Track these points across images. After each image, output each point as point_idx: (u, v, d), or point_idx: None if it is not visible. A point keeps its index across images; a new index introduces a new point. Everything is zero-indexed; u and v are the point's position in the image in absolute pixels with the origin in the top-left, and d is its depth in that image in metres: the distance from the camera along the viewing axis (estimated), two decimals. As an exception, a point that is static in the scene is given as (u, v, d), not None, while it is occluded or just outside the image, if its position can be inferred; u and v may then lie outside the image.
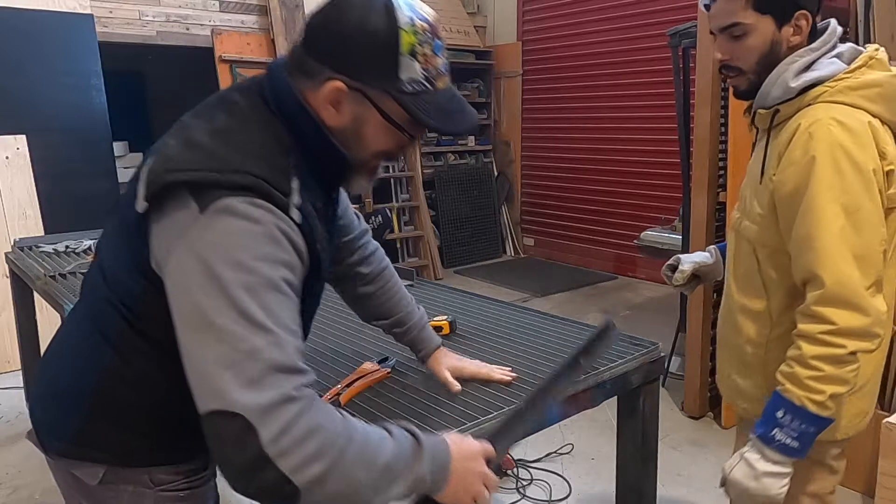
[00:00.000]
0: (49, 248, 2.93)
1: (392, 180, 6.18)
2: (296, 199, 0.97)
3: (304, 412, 0.84)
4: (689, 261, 1.73)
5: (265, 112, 1.02)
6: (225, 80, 5.38)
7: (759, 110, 1.41)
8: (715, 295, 3.23)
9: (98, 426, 1.10)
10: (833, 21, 1.37)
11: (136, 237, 0.98)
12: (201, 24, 5.33)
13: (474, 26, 6.93)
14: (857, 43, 3.65)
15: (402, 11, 0.98)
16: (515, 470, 2.78)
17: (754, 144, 1.51)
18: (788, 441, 1.27)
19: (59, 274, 2.48)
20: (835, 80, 1.31)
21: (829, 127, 1.26)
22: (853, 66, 1.32)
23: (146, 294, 0.99)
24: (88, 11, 4.56)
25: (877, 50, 1.34)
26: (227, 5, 5.45)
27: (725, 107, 3.06)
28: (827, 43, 1.35)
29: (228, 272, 0.85)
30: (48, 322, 3.64)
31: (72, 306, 1.29)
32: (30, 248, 2.98)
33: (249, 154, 0.95)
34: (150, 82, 7.85)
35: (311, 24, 1.02)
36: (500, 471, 1.04)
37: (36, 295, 2.84)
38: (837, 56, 1.35)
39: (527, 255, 6.99)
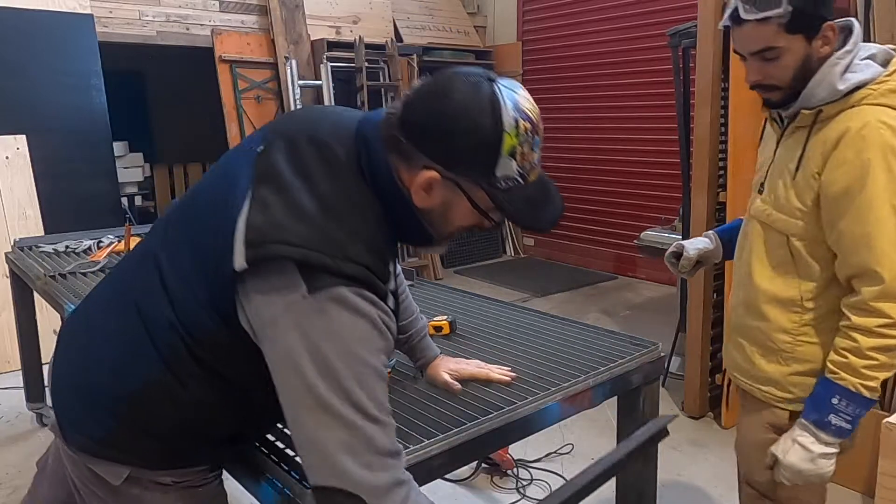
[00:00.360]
0: (49, 248, 2.93)
1: (392, 180, 6.17)
2: (392, 284, 1.04)
3: (410, 494, 0.96)
4: (693, 247, 1.78)
5: (363, 183, 1.03)
6: (225, 79, 5.38)
7: (803, 111, 1.43)
8: (715, 295, 3.23)
9: (128, 432, 1.11)
10: (854, 21, 1.41)
11: (222, 285, 1.00)
12: (201, 24, 5.33)
13: (474, 26, 6.93)
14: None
15: (507, 112, 0.99)
16: (515, 470, 2.78)
17: (778, 141, 1.53)
18: (843, 424, 1.39)
19: (59, 274, 2.48)
20: (876, 83, 1.37)
21: (880, 130, 1.33)
22: (891, 69, 1.38)
23: (220, 334, 1.03)
24: (88, 11, 4.56)
25: None
26: (227, 5, 5.45)
27: (725, 107, 3.05)
28: (856, 44, 1.39)
29: (341, 364, 0.93)
30: (48, 322, 3.64)
31: (75, 303, 1.29)
32: (30, 248, 2.98)
33: (359, 240, 0.98)
34: (150, 82, 7.85)
35: (412, 108, 1.03)
36: None
37: (36, 295, 2.84)
38: (871, 57, 1.40)
39: (527, 255, 6.99)
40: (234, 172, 1.07)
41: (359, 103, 5.65)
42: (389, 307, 1.01)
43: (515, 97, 1.00)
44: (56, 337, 1.28)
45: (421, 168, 1.01)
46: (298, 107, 5.42)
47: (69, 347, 1.22)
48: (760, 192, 1.57)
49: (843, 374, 1.38)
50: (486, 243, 6.82)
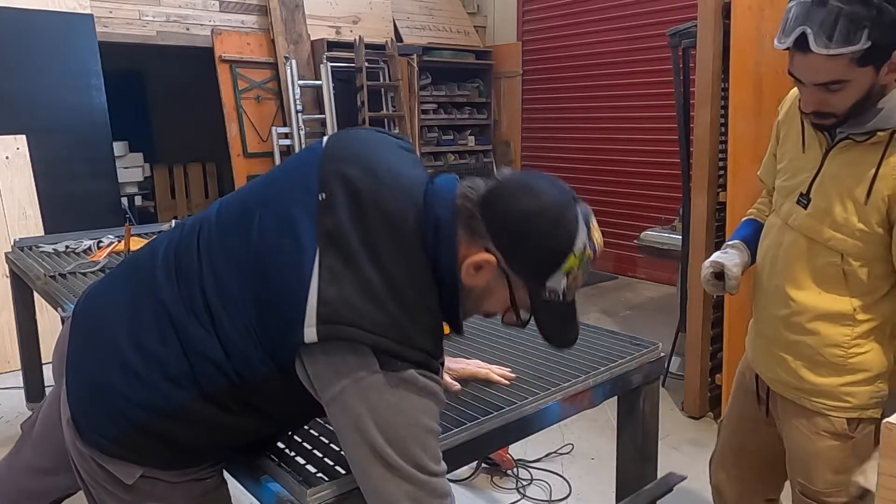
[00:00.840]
0: (49, 248, 2.93)
1: (392, 180, 6.17)
2: (443, 358, 1.10)
3: None
4: (733, 264, 1.62)
5: (426, 262, 1.06)
6: (225, 79, 5.38)
7: (879, 132, 1.34)
8: (715, 295, 3.23)
9: (144, 438, 1.13)
10: None
11: (284, 343, 1.02)
12: (201, 24, 5.33)
13: (474, 26, 6.93)
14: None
15: (581, 237, 1.06)
16: (515, 470, 2.78)
17: (826, 153, 1.44)
18: None
19: (59, 274, 2.48)
20: None
21: None
22: None
23: (272, 379, 1.07)
24: (88, 11, 4.56)
25: None
26: (227, 5, 5.45)
27: (725, 107, 3.05)
28: None
29: (407, 433, 1.02)
30: (48, 322, 3.64)
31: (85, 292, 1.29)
32: (30, 248, 2.98)
33: (424, 328, 1.04)
34: (150, 82, 7.85)
35: (499, 192, 1.07)
36: None
37: (36, 295, 2.84)
38: None
39: (527, 255, 6.98)
40: (292, 216, 1.06)
41: (359, 103, 5.65)
42: (441, 376, 1.08)
43: (591, 225, 1.08)
44: (70, 317, 1.26)
45: (482, 248, 1.06)
46: (335, 127, 5.41)
47: (88, 339, 1.20)
48: (801, 203, 1.47)
49: None
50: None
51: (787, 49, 1.29)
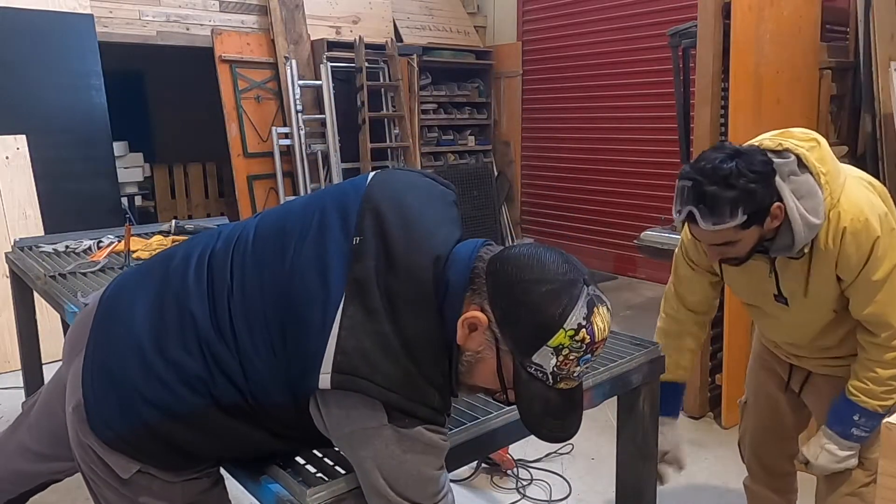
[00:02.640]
0: (49, 248, 2.92)
1: (392, 180, 6.16)
2: (450, 409, 1.14)
3: None
4: (682, 453, 1.94)
5: (438, 325, 1.08)
6: (225, 79, 5.38)
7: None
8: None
9: (151, 439, 1.14)
10: (777, 162, 1.50)
11: (301, 382, 1.05)
12: (201, 24, 5.33)
13: (474, 26, 6.93)
14: (856, 43, 3.64)
15: (577, 314, 1.01)
16: (515, 470, 2.78)
17: (773, 266, 1.65)
18: (862, 434, 1.68)
19: (59, 274, 2.48)
20: (827, 196, 1.54)
21: (865, 221, 1.57)
22: (822, 183, 1.53)
23: (286, 409, 1.10)
24: (88, 11, 4.57)
25: None
26: (227, 5, 5.45)
27: (725, 107, 3.05)
28: (792, 190, 1.52)
29: (407, 481, 1.06)
30: (48, 322, 3.64)
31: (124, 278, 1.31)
32: (30, 248, 2.98)
33: (434, 387, 1.07)
34: (150, 82, 7.84)
35: (508, 256, 1.07)
36: None
37: (36, 295, 2.84)
38: (789, 172, 1.52)
39: (527, 255, 6.98)
40: (326, 256, 1.09)
41: (359, 103, 5.65)
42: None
43: (594, 309, 1.03)
44: (97, 303, 1.27)
45: (478, 308, 1.05)
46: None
47: (111, 330, 1.20)
48: (780, 301, 1.69)
49: (864, 398, 1.63)
50: (486, 243, 6.81)
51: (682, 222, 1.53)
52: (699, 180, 1.44)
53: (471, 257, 1.10)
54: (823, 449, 1.71)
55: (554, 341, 1.01)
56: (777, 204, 1.48)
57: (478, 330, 1.06)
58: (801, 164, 1.51)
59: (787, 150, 1.51)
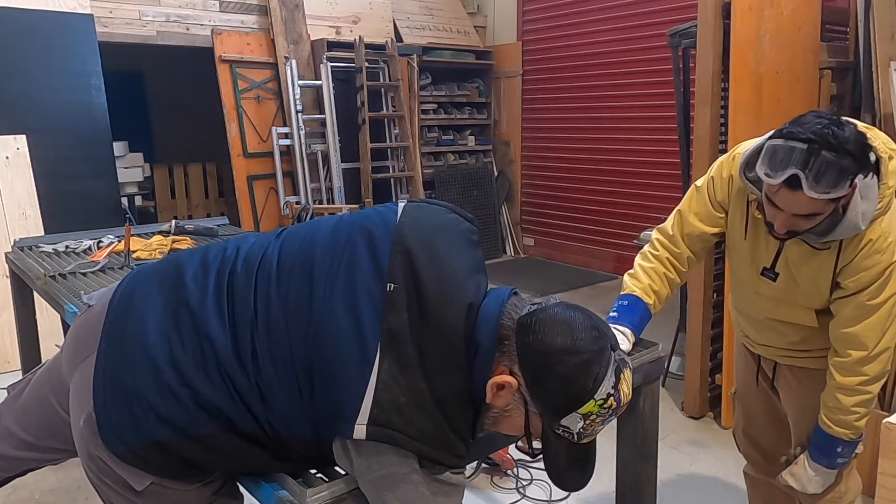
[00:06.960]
0: (49, 248, 2.92)
1: (392, 180, 6.17)
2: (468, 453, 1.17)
3: None
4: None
5: (466, 380, 1.09)
6: (225, 79, 5.38)
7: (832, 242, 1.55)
8: (715, 295, 3.23)
9: (163, 455, 1.14)
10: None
11: (330, 423, 1.07)
12: (201, 24, 5.33)
13: (474, 26, 6.93)
14: (856, 43, 3.64)
15: (607, 385, 1.06)
16: (515, 470, 2.78)
17: (781, 244, 1.63)
18: (846, 459, 1.76)
19: (59, 274, 2.48)
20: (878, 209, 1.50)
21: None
22: (882, 195, 1.48)
23: (305, 442, 1.12)
24: (88, 11, 4.56)
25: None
26: (227, 5, 5.45)
27: (725, 107, 3.05)
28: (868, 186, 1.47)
29: None
30: (48, 322, 3.64)
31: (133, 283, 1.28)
32: (30, 248, 2.98)
33: (461, 438, 1.11)
34: (150, 82, 7.84)
35: (537, 323, 1.09)
36: None
37: (36, 295, 2.84)
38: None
39: (527, 255, 6.98)
40: (359, 303, 1.09)
41: (359, 103, 5.65)
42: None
43: (621, 375, 1.08)
44: (107, 309, 1.23)
45: (507, 370, 1.08)
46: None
47: (123, 344, 1.17)
48: (768, 276, 1.68)
49: (837, 429, 1.69)
50: (486, 243, 6.82)
51: (774, 183, 1.40)
52: (815, 142, 1.32)
53: (499, 315, 1.11)
54: (813, 479, 1.77)
55: (584, 410, 1.06)
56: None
57: (506, 389, 1.09)
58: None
59: (874, 147, 1.41)
